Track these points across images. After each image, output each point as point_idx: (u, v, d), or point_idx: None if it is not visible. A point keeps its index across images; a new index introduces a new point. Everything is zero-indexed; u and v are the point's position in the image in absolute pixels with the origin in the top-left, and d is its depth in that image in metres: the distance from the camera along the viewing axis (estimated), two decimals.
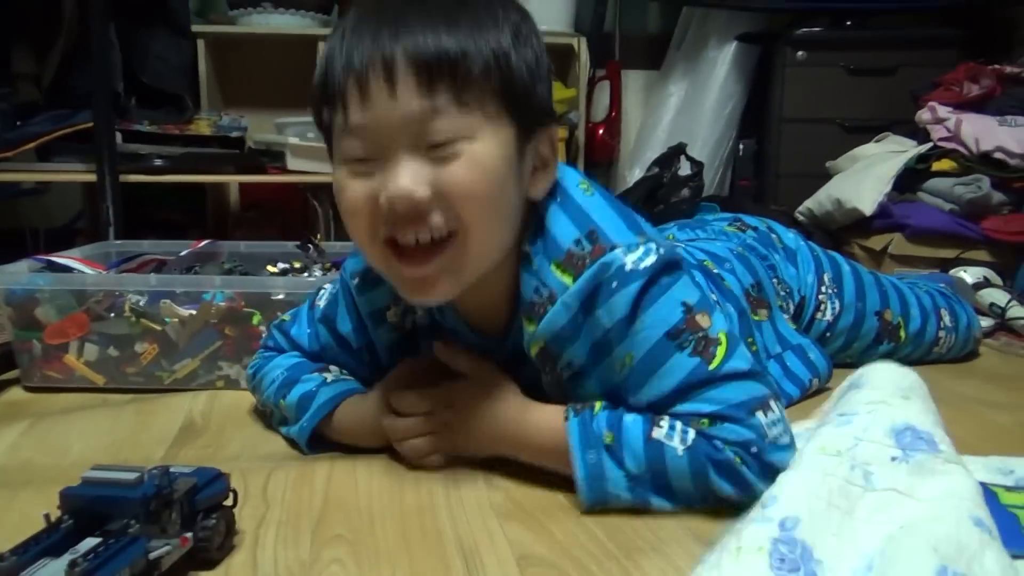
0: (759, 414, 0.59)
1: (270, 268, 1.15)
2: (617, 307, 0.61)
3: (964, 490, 0.50)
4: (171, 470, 0.53)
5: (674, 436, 0.59)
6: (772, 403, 0.61)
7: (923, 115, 1.74)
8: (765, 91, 2.25)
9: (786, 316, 0.94)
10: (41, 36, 1.57)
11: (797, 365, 0.90)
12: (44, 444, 0.78)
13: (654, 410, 0.62)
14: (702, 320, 0.62)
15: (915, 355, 1.06)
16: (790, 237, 1.04)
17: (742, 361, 0.62)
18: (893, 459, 0.53)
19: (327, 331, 0.79)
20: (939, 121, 1.68)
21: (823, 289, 1.00)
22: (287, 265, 1.16)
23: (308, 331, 0.81)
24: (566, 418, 0.63)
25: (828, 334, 1.00)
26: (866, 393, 0.60)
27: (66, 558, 0.45)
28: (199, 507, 0.53)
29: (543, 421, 0.65)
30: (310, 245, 1.20)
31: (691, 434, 0.59)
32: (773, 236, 1.02)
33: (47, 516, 0.49)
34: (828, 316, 1.00)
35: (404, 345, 0.77)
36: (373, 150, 0.59)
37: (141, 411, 0.89)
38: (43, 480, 0.68)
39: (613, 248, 0.62)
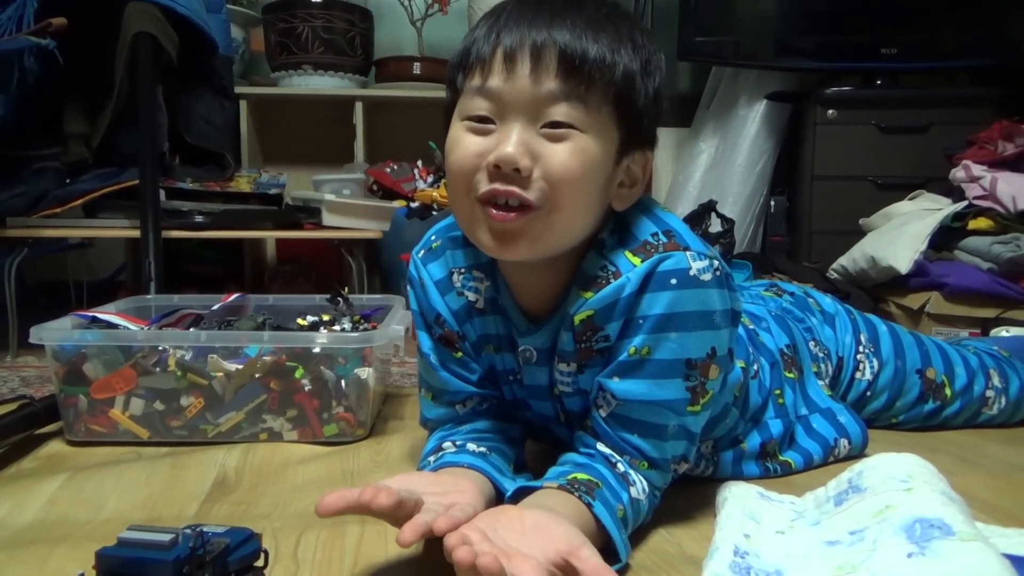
0: (680, 464, 0.72)
1: (300, 321, 1.17)
2: (661, 302, 0.65)
3: (985, 567, 0.49)
4: (204, 531, 0.53)
5: (639, 490, 0.68)
6: (690, 456, 0.72)
7: (957, 173, 1.73)
8: (796, 148, 2.27)
9: (821, 382, 0.94)
10: (93, 99, 1.64)
11: (823, 425, 0.90)
12: (80, 498, 0.79)
13: (615, 420, 0.68)
14: (712, 371, 0.69)
15: (963, 415, 1.04)
16: (827, 302, 1.05)
17: (703, 420, 0.71)
18: (910, 555, 0.52)
19: (431, 341, 0.79)
20: (974, 180, 1.67)
21: (860, 349, 1.00)
22: (316, 318, 1.17)
23: (432, 357, 0.79)
24: (588, 504, 0.62)
25: (869, 393, 1.00)
26: (869, 502, 0.62)
27: None
28: (231, 568, 0.53)
29: (562, 510, 0.62)
30: (339, 298, 1.21)
31: (645, 485, 0.68)
32: (810, 300, 1.03)
33: None
34: (867, 375, 0.99)
35: (469, 321, 0.77)
36: (498, 112, 0.65)
37: (176, 465, 0.89)
38: (79, 536, 0.69)
39: (686, 248, 0.67)
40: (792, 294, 1.04)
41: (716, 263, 0.67)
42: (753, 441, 0.84)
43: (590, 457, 0.69)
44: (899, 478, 0.63)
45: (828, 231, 2.13)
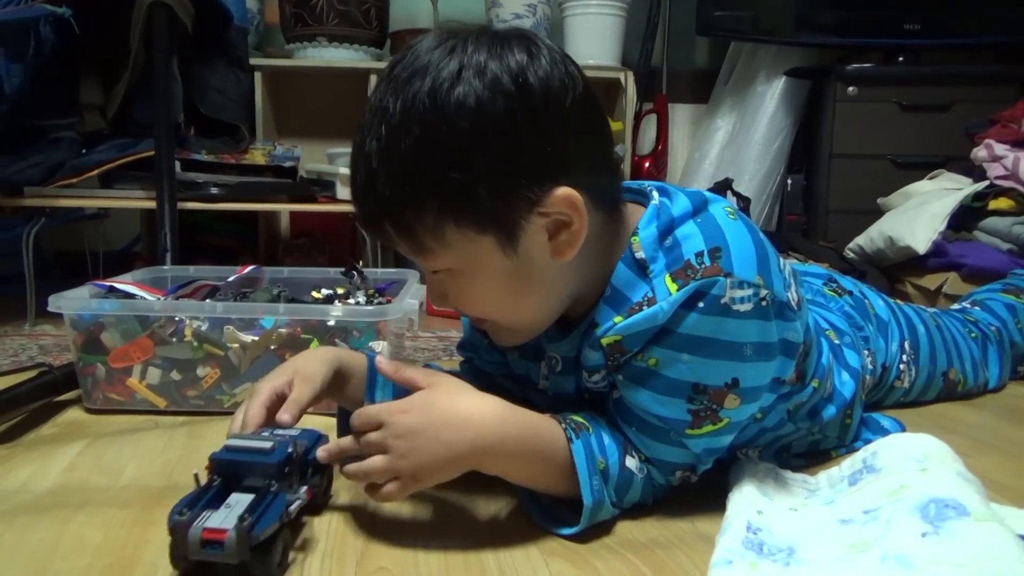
0: (679, 472, 0.69)
1: (315, 294, 1.17)
2: (684, 322, 0.62)
3: (1000, 547, 0.49)
4: (291, 436, 0.63)
5: (636, 466, 0.66)
6: (697, 470, 0.69)
7: (979, 153, 1.71)
8: (815, 126, 2.24)
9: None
10: (108, 70, 1.64)
11: (868, 436, 0.88)
12: (99, 465, 0.80)
13: (620, 407, 0.67)
14: (729, 401, 0.64)
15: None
16: (881, 306, 1.01)
17: (712, 444, 0.67)
18: (924, 535, 0.52)
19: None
20: (996, 159, 1.65)
21: (904, 358, 0.99)
22: (331, 291, 1.18)
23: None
24: (569, 439, 0.63)
25: (902, 398, 1.02)
26: (884, 482, 0.62)
27: (224, 512, 0.54)
28: (309, 465, 0.64)
29: (531, 427, 0.63)
30: (354, 271, 1.22)
31: (644, 467, 0.67)
32: (866, 302, 0.99)
33: (197, 476, 0.59)
34: (906, 383, 1.00)
35: None
36: None
37: (192, 434, 0.90)
38: (98, 502, 0.70)
39: (728, 274, 0.61)
40: (850, 293, 0.99)
41: (763, 292, 0.62)
42: (799, 450, 0.82)
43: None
44: (914, 458, 0.62)
45: (845, 210, 2.11)
